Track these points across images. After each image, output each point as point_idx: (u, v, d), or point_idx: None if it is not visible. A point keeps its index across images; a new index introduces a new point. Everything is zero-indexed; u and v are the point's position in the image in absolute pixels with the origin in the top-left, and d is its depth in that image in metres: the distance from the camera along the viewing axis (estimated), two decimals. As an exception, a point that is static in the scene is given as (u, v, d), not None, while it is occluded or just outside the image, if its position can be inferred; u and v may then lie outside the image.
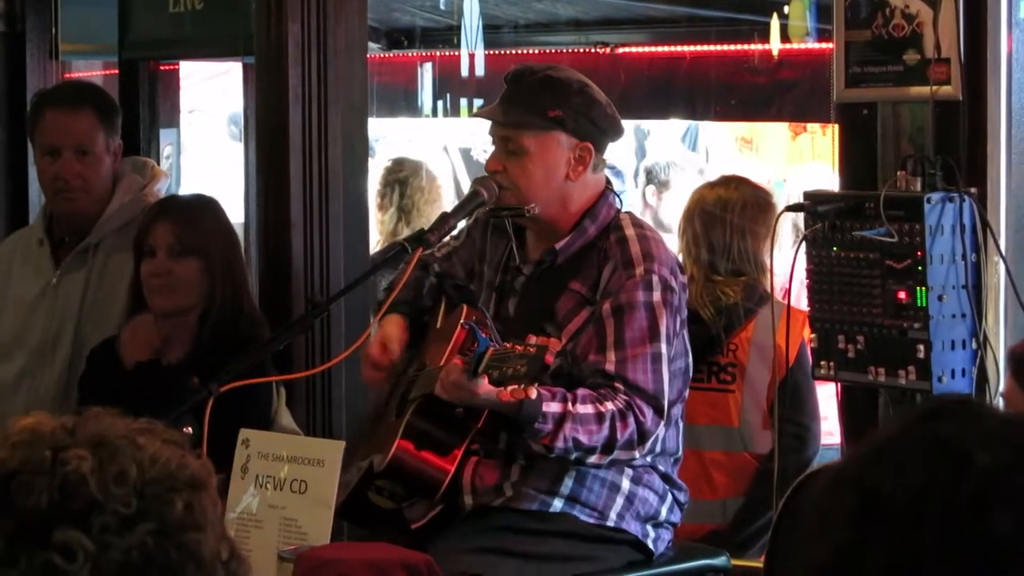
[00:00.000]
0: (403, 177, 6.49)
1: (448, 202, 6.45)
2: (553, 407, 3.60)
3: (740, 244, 4.78)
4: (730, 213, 4.80)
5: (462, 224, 4.07)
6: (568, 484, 3.79)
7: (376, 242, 6.18)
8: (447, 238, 4.03)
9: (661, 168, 6.97)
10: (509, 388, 3.45)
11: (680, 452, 3.97)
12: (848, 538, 1.14)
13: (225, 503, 3.40)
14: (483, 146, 7.53)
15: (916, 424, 1.20)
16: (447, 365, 3.64)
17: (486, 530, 3.75)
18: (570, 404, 3.62)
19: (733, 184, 4.95)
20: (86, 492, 1.50)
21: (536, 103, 3.84)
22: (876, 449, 1.18)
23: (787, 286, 4.26)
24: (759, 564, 4.25)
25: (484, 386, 3.50)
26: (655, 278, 3.76)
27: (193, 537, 1.54)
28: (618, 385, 3.69)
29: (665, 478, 3.90)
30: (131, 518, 1.50)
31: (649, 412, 3.69)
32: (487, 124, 3.98)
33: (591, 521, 3.79)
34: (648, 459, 3.83)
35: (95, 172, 4.74)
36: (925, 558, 1.10)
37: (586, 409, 3.64)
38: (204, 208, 4.51)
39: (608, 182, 3.98)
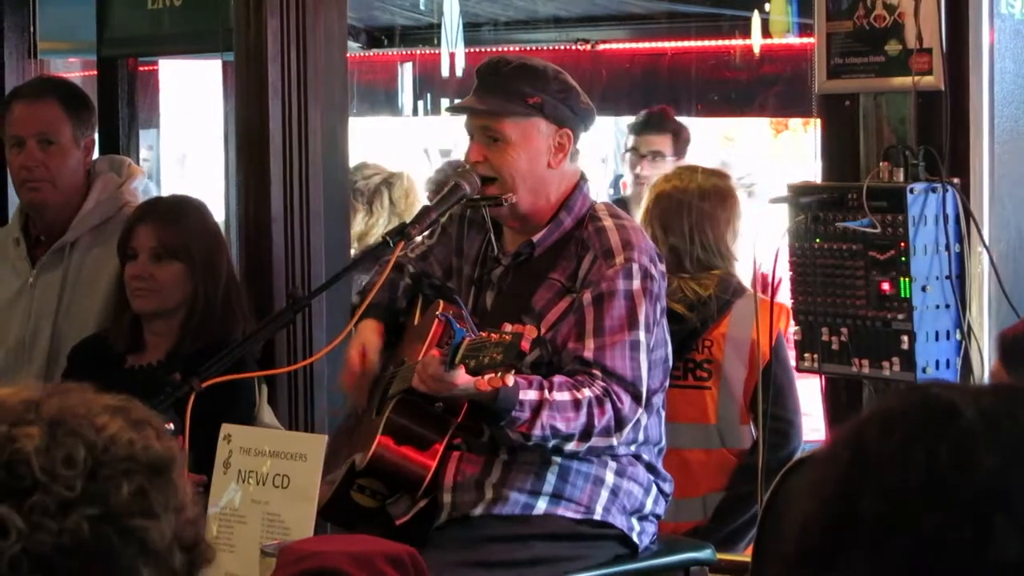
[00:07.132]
0: (389, 181, 6.30)
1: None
2: (530, 395, 3.58)
3: (703, 234, 4.66)
4: (689, 203, 4.68)
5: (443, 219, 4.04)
6: (551, 481, 3.76)
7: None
8: (420, 237, 4.00)
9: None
10: (486, 377, 3.42)
11: (663, 442, 3.94)
12: (838, 492, 1.15)
13: (207, 498, 3.39)
14: (464, 146, 7.43)
15: (904, 393, 1.23)
16: (424, 358, 3.61)
17: (468, 541, 3.72)
18: (547, 391, 3.60)
19: (688, 173, 4.82)
20: (28, 472, 1.50)
21: (515, 90, 3.83)
22: (866, 415, 1.20)
23: (769, 278, 4.20)
24: (745, 558, 4.23)
25: (461, 376, 3.47)
26: (635, 267, 3.75)
27: (141, 523, 1.52)
28: (596, 372, 3.67)
29: (649, 468, 3.88)
30: (72, 501, 1.49)
31: (627, 399, 3.67)
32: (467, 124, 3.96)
33: (577, 517, 3.77)
34: (632, 448, 3.82)
35: (61, 163, 4.67)
36: (912, 506, 1.12)
37: (563, 396, 3.62)
38: (186, 210, 4.47)
39: (582, 173, 3.96)
